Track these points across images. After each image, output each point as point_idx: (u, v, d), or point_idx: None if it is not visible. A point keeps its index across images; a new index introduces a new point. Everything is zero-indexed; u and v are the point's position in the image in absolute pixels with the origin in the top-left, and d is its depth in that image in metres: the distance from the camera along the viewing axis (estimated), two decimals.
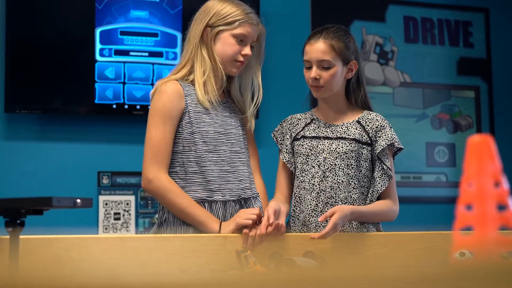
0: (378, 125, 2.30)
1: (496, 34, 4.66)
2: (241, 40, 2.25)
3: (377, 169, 2.27)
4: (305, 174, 2.30)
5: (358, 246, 2.17)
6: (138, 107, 3.78)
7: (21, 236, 1.57)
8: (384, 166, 2.27)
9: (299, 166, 2.33)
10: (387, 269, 0.82)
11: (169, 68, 2.27)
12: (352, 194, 2.25)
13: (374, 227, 2.30)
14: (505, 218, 0.95)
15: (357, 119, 2.33)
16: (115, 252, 1.93)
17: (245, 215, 2.08)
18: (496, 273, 0.82)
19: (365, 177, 2.29)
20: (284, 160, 2.36)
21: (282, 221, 2.09)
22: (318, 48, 2.27)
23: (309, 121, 2.38)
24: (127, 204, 3.78)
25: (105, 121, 3.82)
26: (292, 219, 2.31)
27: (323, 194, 2.26)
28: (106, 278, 0.76)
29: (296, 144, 2.35)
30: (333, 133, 2.32)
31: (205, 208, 2.17)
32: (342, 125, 2.32)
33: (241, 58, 2.25)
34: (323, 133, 2.33)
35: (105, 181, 3.78)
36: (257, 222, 2.08)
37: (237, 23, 2.24)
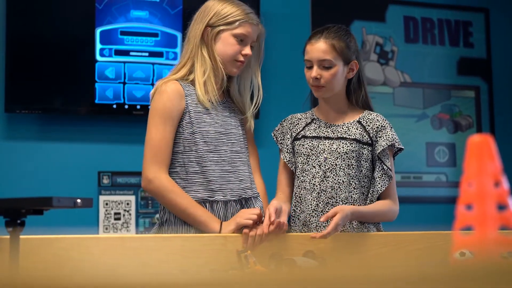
0: (379, 125, 2.30)
1: (496, 34, 4.66)
2: (241, 40, 2.25)
3: (377, 169, 2.27)
4: (305, 174, 2.30)
5: (358, 246, 2.17)
6: (138, 107, 3.78)
7: (21, 236, 1.57)
8: (385, 167, 2.27)
9: (299, 166, 2.33)
10: (387, 269, 0.82)
11: (169, 68, 2.27)
12: (353, 194, 2.25)
13: (374, 227, 2.30)
14: (505, 218, 0.95)
15: (357, 119, 2.33)
16: (116, 252, 1.93)
17: (246, 215, 2.08)
18: (496, 273, 0.82)
19: (365, 177, 2.29)
20: (285, 160, 2.36)
21: (283, 219, 2.09)
22: (319, 47, 2.27)
23: (309, 121, 2.38)
24: (128, 204, 3.78)
25: (105, 121, 3.82)
26: (293, 219, 2.31)
27: (324, 194, 2.26)
28: (106, 278, 0.76)
29: (296, 144, 2.35)
30: (333, 133, 2.32)
31: (206, 208, 2.17)
32: (342, 125, 2.32)
33: (241, 58, 2.25)
34: (324, 133, 2.33)
35: (105, 181, 3.78)
36: (257, 222, 2.08)
37: (237, 23, 2.24)
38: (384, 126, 2.30)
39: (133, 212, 3.78)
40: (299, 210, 2.30)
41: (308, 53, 2.29)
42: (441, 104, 4.52)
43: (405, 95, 4.45)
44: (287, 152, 2.36)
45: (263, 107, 3.83)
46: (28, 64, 3.66)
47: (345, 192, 2.25)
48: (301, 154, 2.32)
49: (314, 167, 2.29)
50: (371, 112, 2.35)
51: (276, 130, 2.43)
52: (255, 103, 2.35)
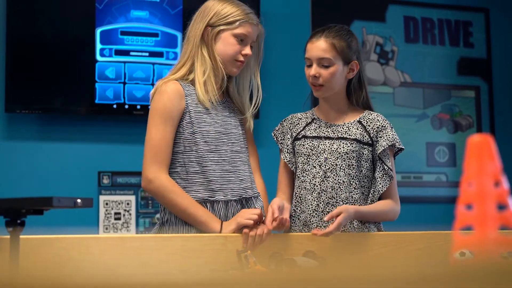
0: (379, 125, 2.30)
1: (496, 34, 4.66)
2: (241, 39, 2.25)
3: (378, 170, 2.28)
4: (306, 174, 2.30)
5: (358, 246, 2.17)
6: (138, 107, 3.78)
7: (21, 236, 1.57)
8: (385, 167, 2.27)
9: (300, 166, 2.33)
10: (387, 269, 0.82)
11: (170, 68, 2.27)
12: (353, 194, 2.25)
13: (375, 227, 2.30)
14: (505, 218, 0.95)
15: (358, 119, 2.33)
16: (116, 252, 1.93)
17: (247, 215, 2.08)
18: (496, 273, 0.82)
19: (365, 177, 2.29)
20: (285, 160, 2.36)
21: (286, 216, 2.10)
22: (319, 46, 2.27)
23: (310, 121, 2.38)
24: (128, 204, 3.78)
25: (106, 121, 3.82)
26: (293, 219, 2.31)
27: (324, 194, 2.26)
28: (106, 278, 0.76)
29: (297, 144, 2.35)
30: (334, 133, 2.32)
31: (207, 208, 2.17)
32: (343, 125, 2.32)
33: (241, 58, 2.25)
34: (324, 133, 2.32)
35: (105, 181, 3.78)
36: (258, 222, 2.08)
37: (237, 23, 2.24)
38: (385, 126, 2.30)
39: (133, 212, 3.78)
40: (300, 210, 2.30)
41: (308, 51, 2.30)
42: (441, 104, 4.52)
43: (405, 95, 4.45)
44: (287, 152, 2.36)
45: (263, 107, 3.83)
46: (28, 64, 3.66)
47: (345, 192, 2.25)
48: (301, 154, 2.32)
49: (315, 167, 2.29)
50: (371, 112, 2.35)
51: (277, 130, 2.44)
52: (255, 103, 2.35)
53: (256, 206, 2.25)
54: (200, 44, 2.24)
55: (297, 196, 2.31)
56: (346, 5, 4.36)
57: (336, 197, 2.25)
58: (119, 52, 3.78)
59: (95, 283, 0.76)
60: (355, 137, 2.29)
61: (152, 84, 3.76)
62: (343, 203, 2.23)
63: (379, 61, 4.41)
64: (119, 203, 3.77)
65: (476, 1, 4.65)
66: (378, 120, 2.31)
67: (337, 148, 2.28)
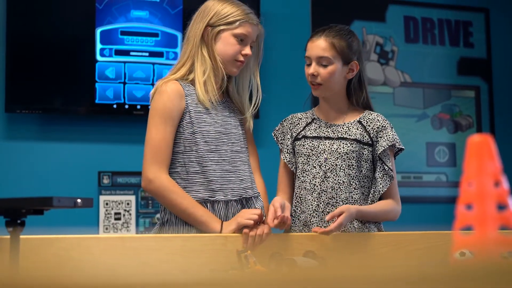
0: (379, 125, 2.30)
1: (496, 34, 4.66)
2: (241, 39, 2.25)
3: (378, 170, 2.28)
4: (306, 174, 2.30)
5: (358, 246, 2.17)
6: (138, 107, 3.78)
7: (21, 236, 1.57)
8: (386, 167, 2.27)
9: (300, 166, 2.33)
10: (387, 269, 0.82)
11: (170, 68, 2.27)
12: (353, 194, 2.25)
13: (375, 227, 2.30)
14: (505, 217, 0.95)
15: (358, 119, 2.33)
16: (116, 252, 1.93)
17: (247, 215, 2.09)
18: (496, 273, 0.82)
19: (365, 178, 2.29)
20: (285, 161, 2.36)
21: (287, 214, 2.10)
22: (318, 45, 2.28)
23: (310, 121, 2.37)
24: (128, 204, 3.78)
25: (106, 121, 3.83)
26: (293, 219, 2.31)
27: (324, 194, 2.26)
28: (106, 278, 0.76)
29: (297, 144, 2.35)
30: (334, 133, 2.31)
31: (207, 208, 2.17)
32: (343, 125, 2.32)
33: (241, 58, 2.25)
34: (324, 133, 2.32)
35: (105, 181, 3.78)
36: (258, 222, 2.08)
37: (237, 23, 2.24)
38: (385, 127, 2.30)
39: (133, 212, 3.78)
40: (300, 211, 2.30)
41: (308, 50, 2.30)
42: (441, 104, 4.52)
43: (405, 95, 4.45)
44: (287, 152, 2.36)
45: (263, 107, 3.83)
46: (28, 64, 3.66)
47: (345, 192, 2.25)
48: (301, 154, 2.32)
49: (315, 167, 2.29)
50: (371, 112, 2.35)
51: (277, 130, 2.44)
52: (254, 103, 2.35)
53: (257, 206, 2.25)
54: (200, 44, 2.24)
55: (297, 196, 2.31)
56: (346, 5, 4.36)
57: (336, 197, 2.25)
58: (119, 52, 3.78)
59: (95, 283, 0.76)
60: (355, 137, 2.29)
61: (152, 84, 3.76)
62: (343, 203, 2.23)
63: (379, 61, 4.41)
64: (119, 203, 3.77)
65: (476, 1, 4.65)
66: (378, 120, 2.31)
67: (337, 148, 2.28)
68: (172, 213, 2.18)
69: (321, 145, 2.30)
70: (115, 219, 3.75)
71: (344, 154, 2.27)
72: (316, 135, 2.33)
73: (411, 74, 4.48)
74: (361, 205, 2.25)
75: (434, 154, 4.45)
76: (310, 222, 2.26)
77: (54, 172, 3.71)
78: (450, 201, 4.12)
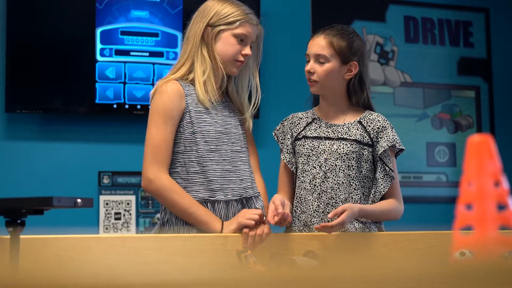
0: (380, 126, 2.30)
1: (496, 34, 4.67)
2: (241, 40, 2.25)
3: (379, 170, 2.27)
4: (306, 174, 2.30)
5: (358, 246, 2.17)
6: (138, 107, 3.78)
7: (21, 236, 1.57)
8: (386, 168, 2.26)
9: (300, 167, 2.33)
10: (387, 269, 0.82)
11: (170, 68, 2.27)
12: (353, 195, 2.25)
13: (376, 227, 2.30)
14: (505, 217, 0.95)
15: (358, 119, 2.32)
16: (116, 252, 1.93)
17: (248, 215, 2.08)
18: (496, 273, 0.82)
19: (365, 178, 2.29)
20: (285, 161, 2.36)
21: (287, 211, 2.10)
22: (317, 42, 2.29)
23: (310, 121, 2.37)
24: (128, 204, 3.78)
25: (106, 121, 3.83)
26: (293, 220, 2.31)
27: (325, 195, 2.26)
28: (106, 278, 0.76)
29: (297, 144, 2.35)
30: (334, 134, 2.31)
31: (208, 208, 2.17)
32: (343, 125, 2.32)
33: (241, 58, 2.25)
34: (324, 133, 2.32)
35: (105, 180, 3.78)
36: (258, 222, 2.08)
37: (238, 23, 2.24)
38: (385, 127, 2.30)
39: (133, 212, 3.78)
40: (300, 211, 2.30)
41: (308, 48, 2.32)
42: (442, 104, 4.52)
43: (405, 95, 4.45)
44: (287, 152, 2.37)
45: (263, 107, 3.83)
46: (28, 64, 3.66)
47: (344, 193, 2.25)
48: (301, 154, 2.32)
49: (315, 167, 2.29)
50: (372, 112, 2.35)
51: (277, 130, 2.43)
52: (254, 103, 2.35)
53: (257, 206, 2.25)
54: (200, 44, 2.24)
55: (298, 196, 2.31)
56: (346, 5, 4.36)
57: (336, 197, 2.25)
58: (119, 52, 3.78)
59: (95, 283, 0.76)
60: (355, 137, 2.29)
61: (152, 84, 3.76)
62: (342, 204, 2.23)
63: (379, 61, 4.41)
64: (119, 203, 3.77)
65: (476, 1, 4.65)
66: (378, 120, 2.31)
67: (337, 149, 2.28)
68: (172, 213, 2.18)
69: (321, 145, 2.30)
70: (115, 219, 3.75)
71: (344, 155, 2.27)
72: (316, 135, 2.33)
73: (411, 74, 4.48)
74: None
75: (434, 154, 4.45)
76: (311, 222, 2.26)
77: (54, 172, 3.71)
78: (450, 201, 4.12)
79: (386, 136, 2.28)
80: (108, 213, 3.74)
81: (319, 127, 2.35)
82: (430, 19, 4.56)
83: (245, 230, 2.06)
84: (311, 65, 2.29)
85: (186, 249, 1.98)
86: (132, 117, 3.80)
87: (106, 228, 3.73)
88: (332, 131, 2.32)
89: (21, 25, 3.64)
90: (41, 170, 3.70)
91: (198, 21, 2.27)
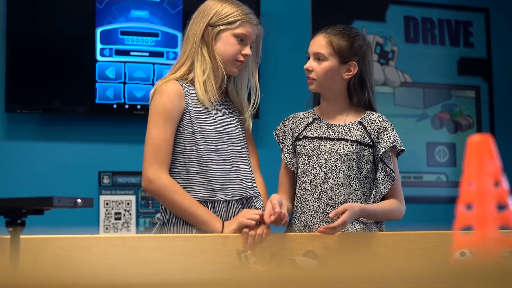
0: (380, 126, 2.29)
1: (496, 34, 4.67)
2: (241, 39, 2.25)
3: (380, 171, 2.27)
4: (306, 175, 2.30)
5: (358, 246, 2.17)
6: (138, 107, 3.78)
7: (21, 236, 1.57)
8: (387, 168, 2.26)
9: (300, 167, 2.33)
10: (387, 269, 0.82)
11: (170, 68, 2.28)
12: (353, 196, 2.25)
13: (377, 228, 2.29)
14: (505, 217, 0.95)
15: (359, 119, 2.32)
16: (116, 252, 1.93)
17: (248, 215, 2.08)
18: (497, 273, 0.82)
19: (366, 179, 2.29)
20: (286, 161, 2.36)
21: (284, 211, 2.09)
22: (317, 41, 2.30)
23: (311, 120, 2.37)
24: (128, 204, 3.78)
25: (106, 121, 3.83)
26: (294, 220, 2.31)
27: (325, 195, 2.26)
28: (106, 278, 0.76)
29: (298, 144, 2.35)
30: (334, 134, 2.31)
31: (208, 208, 2.17)
32: (344, 126, 2.32)
33: (241, 58, 2.26)
34: (325, 134, 2.32)
35: (106, 180, 3.78)
36: (259, 222, 2.08)
37: (238, 22, 2.24)
38: (386, 128, 2.29)
39: (133, 212, 3.78)
40: (300, 211, 2.29)
41: (309, 46, 2.32)
42: (442, 104, 4.52)
43: (405, 95, 4.45)
44: (287, 152, 2.37)
45: (263, 107, 3.83)
46: (28, 64, 3.66)
47: (344, 194, 2.25)
48: (302, 155, 2.32)
49: (315, 168, 2.29)
50: (372, 113, 2.34)
51: (278, 129, 2.43)
52: (253, 103, 2.35)
53: (257, 206, 2.25)
54: (200, 43, 2.24)
55: (298, 197, 2.31)
56: (346, 5, 4.36)
57: (335, 198, 2.25)
58: (119, 52, 3.78)
59: (95, 283, 0.76)
60: (355, 138, 2.28)
61: (152, 84, 3.75)
62: (342, 205, 2.23)
63: (379, 61, 4.41)
64: (119, 203, 3.77)
65: (476, 1, 4.65)
66: (379, 121, 2.31)
67: (337, 150, 2.28)
68: (173, 213, 2.18)
69: (322, 146, 2.30)
70: (116, 219, 3.75)
71: (344, 156, 2.26)
72: (317, 135, 2.33)
73: (411, 74, 4.48)
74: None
75: (434, 154, 4.45)
76: (311, 223, 2.26)
77: (54, 172, 3.71)
78: (450, 201, 4.12)
79: (387, 137, 2.28)
80: (108, 213, 3.74)
81: (320, 127, 2.34)
82: (430, 19, 4.56)
83: (245, 230, 2.06)
84: (310, 63, 2.30)
85: (186, 249, 1.98)
86: (132, 117, 3.80)
87: (106, 228, 3.73)
88: (333, 132, 2.32)
89: (21, 25, 3.64)
90: (41, 170, 3.70)
91: (198, 21, 2.27)
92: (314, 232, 2.23)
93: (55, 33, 3.70)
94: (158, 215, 2.30)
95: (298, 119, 2.40)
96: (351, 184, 2.26)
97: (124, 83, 3.77)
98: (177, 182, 2.18)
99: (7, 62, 3.62)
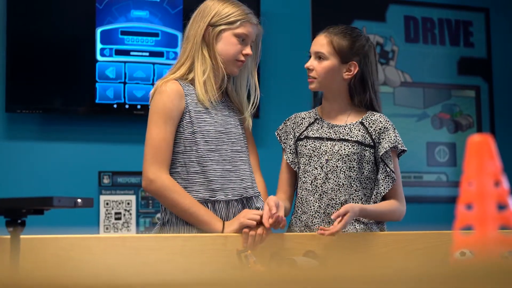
0: (382, 126, 2.29)
1: (496, 33, 4.67)
2: (242, 39, 2.25)
3: (380, 171, 2.27)
4: (307, 175, 2.30)
5: (358, 246, 2.17)
6: (139, 106, 3.78)
7: (21, 236, 1.57)
8: (388, 169, 2.26)
9: (301, 167, 2.32)
10: (387, 269, 0.82)
11: (169, 68, 2.29)
12: (354, 196, 2.25)
13: (378, 229, 2.29)
14: (505, 217, 0.95)
15: (360, 120, 2.32)
16: (116, 252, 1.93)
17: (249, 215, 2.08)
18: (497, 272, 0.82)
19: (367, 179, 2.28)
20: (288, 161, 2.36)
21: (281, 214, 2.09)
22: (318, 40, 2.31)
23: (312, 121, 2.37)
24: (128, 203, 3.78)
25: (106, 121, 3.83)
26: (294, 220, 2.31)
27: (325, 196, 2.25)
28: (106, 278, 0.76)
29: (299, 144, 2.35)
30: (336, 134, 2.31)
31: (208, 208, 2.17)
32: (345, 126, 2.32)
33: (242, 58, 2.26)
34: (326, 134, 2.32)
35: (106, 180, 3.78)
36: (259, 223, 2.08)
37: (238, 22, 2.24)
38: (387, 128, 2.29)
39: (133, 211, 3.78)
40: (301, 211, 2.29)
41: (311, 46, 2.32)
42: (442, 104, 4.52)
43: (405, 95, 4.45)
44: (290, 152, 2.37)
45: (263, 107, 3.83)
46: (28, 64, 3.66)
47: (345, 194, 2.24)
48: (303, 155, 2.32)
49: (316, 168, 2.28)
50: (374, 113, 2.33)
51: (280, 129, 2.43)
52: (253, 103, 2.35)
53: (257, 206, 2.25)
54: (201, 44, 2.24)
55: (299, 197, 2.31)
56: (346, 5, 4.36)
57: (336, 198, 2.25)
58: (119, 52, 3.78)
59: (95, 283, 0.76)
60: (356, 139, 2.28)
61: (153, 84, 3.75)
62: (343, 205, 2.23)
63: (380, 61, 4.41)
64: (119, 203, 3.77)
65: (476, 1, 4.65)
66: (380, 121, 2.30)
67: (338, 150, 2.27)
68: (173, 213, 2.18)
69: (323, 146, 2.30)
70: (116, 219, 3.75)
71: (345, 156, 2.26)
72: (318, 135, 2.33)
73: (411, 74, 4.48)
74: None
75: (434, 154, 4.45)
76: (312, 223, 2.26)
77: (54, 172, 3.71)
78: (450, 200, 4.12)
79: (388, 137, 2.27)
80: (109, 213, 3.74)
81: (321, 127, 2.34)
82: (430, 19, 4.56)
83: (245, 229, 2.06)
84: (310, 62, 2.30)
85: (186, 249, 1.98)
86: (132, 117, 3.80)
87: (107, 228, 3.73)
88: (334, 132, 2.32)
89: (21, 25, 3.64)
90: (41, 170, 3.70)
91: (198, 20, 2.27)
92: (314, 232, 2.22)
93: (55, 33, 3.70)
94: (158, 215, 2.30)
95: (299, 119, 2.40)
96: (352, 184, 2.25)
97: (124, 83, 3.77)
98: (177, 182, 2.18)
99: (7, 62, 3.62)
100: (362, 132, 2.29)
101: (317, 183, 2.27)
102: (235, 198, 2.22)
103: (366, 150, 2.28)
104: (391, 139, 2.27)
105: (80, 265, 1.86)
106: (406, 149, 2.32)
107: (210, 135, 2.21)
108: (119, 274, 0.76)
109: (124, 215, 3.76)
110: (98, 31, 3.75)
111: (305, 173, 2.31)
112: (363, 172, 2.28)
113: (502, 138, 4.33)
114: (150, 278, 0.76)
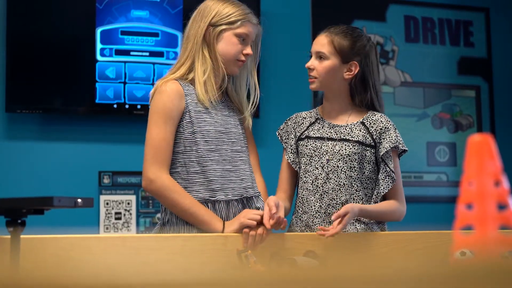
0: (383, 126, 2.29)
1: (497, 33, 4.66)
2: (243, 39, 2.25)
3: (381, 171, 2.27)
4: (308, 175, 2.30)
5: (358, 246, 2.16)
6: (139, 106, 3.78)
7: (22, 236, 1.57)
8: (388, 169, 2.26)
9: (302, 167, 2.32)
10: (387, 269, 0.82)
11: (169, 68, 2.29)
12: (355, 196, 2.25)
13: (379, 229, 2.29)
14: (506, 217, 0.95)
15: (361, 120, 2.32)
16: (116, 252, 1.93)
17: (249, 215, 2.08)
18: (497, 272, 0.82)
19: (368, 179, 2.28)
20: (289, 161, 2.36)
21: (281, 214, 2.09)
22: (319, 40, 2.31)
23: (313, 120, 2.37)
24: (128, 203, 3.78)
25: (106, 121, 3.83)
26: (295, 220, 2.31)
27: (326, 196, 2.25)
28: (106, 278, 0.76)
29: (300, 144, 2.35)
30: (336, 134, 2.31)
31: (208, 208, 2.17)
32: (346, 126, 2.32)
33: (243, 58, 2.26)
34: (327, 134, 2.32)
35: (106, 180, 3.78)
36: (259, 223, 2.08)
37: (239, 22, 2.24)
38: (388, 128, 2.29)
39: (133, 211, 3.78)
40: (302, 211, 2.29)
41: (312, 45, 2.32)
42: (442, 104, 4.51)
43: (405, 95, 4.45)
44: (291, 152, 2.36)
45: (263, 107, 3.83)
46: (28, 64, 3.66)
47: (345, 194, 2.24)
48: (304, 155, 2.32)
49: (317, 168, 2.28)
50: (375, 113, 2.33)
51: (281, 129, 2.43)
52: (252, 102, 2.35)
53: (258, 206, 2.25)
54: (202, 43, 2.24)
55: (300, 197, 2.31)
56: (346, 5, 4.36)
57: (337, 199, 2.24)
58: (119, 52, 3.78)
59: (95, 283, 0.76)
60: (357, 139, 2.28)
61: (153, 84, 3.75)
62: (343, 205, 2.22)
63: (380, 61, 4.41)
64: (119, 203, 3.77)
65: (476, 1, 4.65)
66: (381, 121, 2.30)
67: (339, 150, 2.27)
68: (173, 213, 2.18)
69: (324, 146, 2.30)
70: (116, 218, 3.75)
71: (346, 156, 2.26)
72: (319, 135, 2.33)
73: (412, 73, 4.48)
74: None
75: (434, 154, 4.45)
76: (313, 223, 2.25)
77: (54, 172, 3.71)
78: (451, 200, 4.12)
79: (389, 137, 2.27)
80: (109, 213, 3.74)
81: (322, 127, 2.34)
82: (431, 18, 4.56)
83: (246, 229, 2.06)
84: (311, 62, 2.30)
85: (186, 249, 1.98)
86: (132, 117, 3.80)
87: (107, 228, 3.73)
88: (335, 132, 2.32)
89: (21, 25, 3.64)
90: (41, 170, 3.70)
91: (198, 20, 2.26)
92: (315, 232, 2.22)
93: (55, 33, 3.70)
94: (159, 215, 2.30)
95: (300, 118, 2.40)
96: (353, 184, 2.25)
97: (124, 83, 3.77)
98: (177, 182, 2.18)
99: (7, 62, 3.62)
100: (363, 132, 2.29)
101: (318, 183, 2.27)
102: (235, 198, 2.21)
103: (367, 150, 2.28)
104: (392, 139, 2.27)
105: (80, 265, 1.86)
106: (407, 149, 2.32)
107: (210, 135, 2.21)
108: (119, 274, 0.76)
109: (124, 215, 3.76)
110: (98, 31, 3.75)
111: (306, 173, 2.30)
112: (364, 172, 2.27)
113: (502, 138, 4.33)
114: (150, 278, 0.76)
